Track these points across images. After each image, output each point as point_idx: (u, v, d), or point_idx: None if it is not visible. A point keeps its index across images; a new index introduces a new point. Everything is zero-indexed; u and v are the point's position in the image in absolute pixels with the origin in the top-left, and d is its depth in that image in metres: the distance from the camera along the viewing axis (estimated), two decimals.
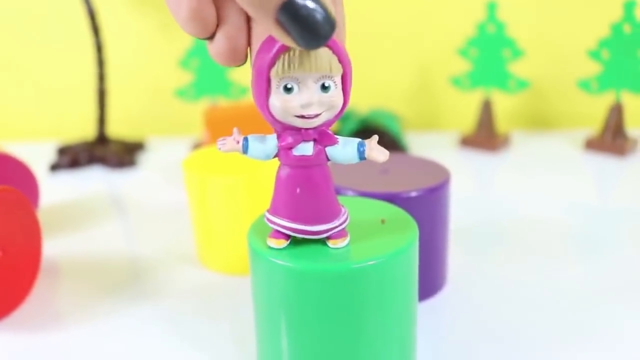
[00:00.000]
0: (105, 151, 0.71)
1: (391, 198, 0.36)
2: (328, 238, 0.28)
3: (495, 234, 0.50)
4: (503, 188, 0.62)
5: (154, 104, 0.85)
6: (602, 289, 0.40)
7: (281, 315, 0.29)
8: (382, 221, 0.31)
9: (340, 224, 0.28)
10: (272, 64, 0.24)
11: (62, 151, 0.73)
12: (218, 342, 0.36)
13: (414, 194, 0.37)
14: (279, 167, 0.27)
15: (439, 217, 0.39)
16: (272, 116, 0.25)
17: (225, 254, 0.44)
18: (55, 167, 0.70)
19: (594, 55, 0.69)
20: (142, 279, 0.43)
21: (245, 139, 0.26)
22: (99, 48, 0.69)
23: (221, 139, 0.27)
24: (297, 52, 0.23)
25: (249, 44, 0.25)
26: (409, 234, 0.30)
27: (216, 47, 0.24)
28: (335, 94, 0.25)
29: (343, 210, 0.28)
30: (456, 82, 0.75)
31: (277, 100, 0.24)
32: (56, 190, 0.64)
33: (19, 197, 0.40)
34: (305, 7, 0.20)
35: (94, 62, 0.72)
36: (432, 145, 0.76)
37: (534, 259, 0.45)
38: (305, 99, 0.24)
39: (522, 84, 0.72)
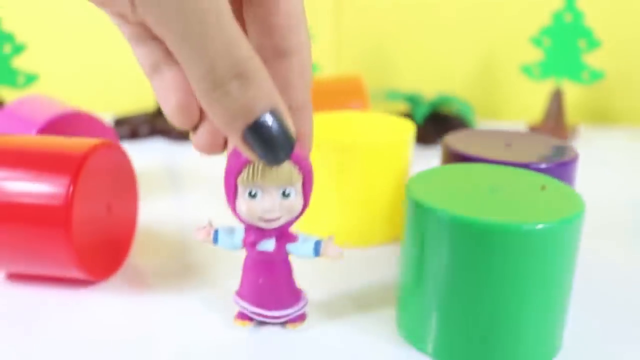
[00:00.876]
0: (167, 123, 0.69)
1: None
2: (287, 322, 0.31)
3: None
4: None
5: None
6: None
7: (437, 269, 0.28)
8: (543, 187, 0.30)
9: (299, 310, 0.31)
10: (239, 172, 0.26)
11: (120, 122, 0.71)
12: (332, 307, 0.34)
13: (543, 165, 0.35)
14: (246, 258, 0.30)
15: None
16: (239, 216, 0.28)
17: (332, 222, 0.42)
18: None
19: None
20: (219, 259, 0.41)
21: (216, 232, 0.30)
22: None
23: (197, 227, 0.30)
24: (260, 164, 0.26)
25: (226, 139, 0.27)
26: (576, 203, 0.28)
27: (198, 139, 0.26)
28: (295, 200, 0.28)
29: (302, 296, 0.32)
30: (526, 70, 0.73)
31: (243, 204, 0.27)
32: None
33: (124, 156, 0.38)
34: (269, 130, 0.22)
35: None
36: None
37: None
38: (267, 205, 0.27)
39: (597, 75, 0.70)
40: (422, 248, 0.29)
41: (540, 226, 0.26)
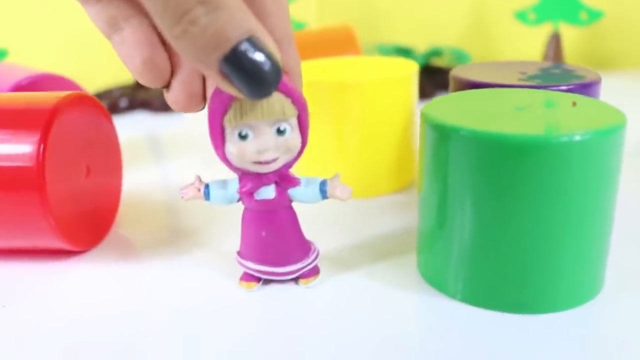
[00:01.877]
0: (148, 95, 0.65)
1: None
2: (299, 278, 0.28)
3: None
4: None
5: None
6: None
7: (464, 199, 0.25)
8: (574, 103, 0.27)
9: (310, 262, 0.28)
10: (224, 112, 0.23)
11: (99, 97, 0.67)
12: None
13: (564, 87, 0.32)
14: (244, 211, 0.27)
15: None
16: (230, 163, 0.25)
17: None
18: None
19: None
20: (211, 221, 0.38)
21: (207, 186, 0.26)
22: None
23: (183, 187, 0.27)
24: (247, 100, 0.23)
25: (204, 88, 0.24)
26: (615, 115, 0.25)
27: (173, 95, 0.24)
28: (292, 136, 0.24)
29: (313, 248, 0.28)
30: (521, 16, 0.70)
31: (233, 148, 0.24)
32: None
33: (103, 111, 0.34)
34: (249, 58, 0.19)
35: None
36: None
37: None
38: (260, 145, 0.24)
39: (596, 15, 0.67)
40: (444, 178, 0.25)
41: (579, 137, 0.23)
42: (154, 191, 0.42)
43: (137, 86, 0.68)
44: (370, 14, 0.80)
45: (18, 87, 0.40)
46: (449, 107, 0.27)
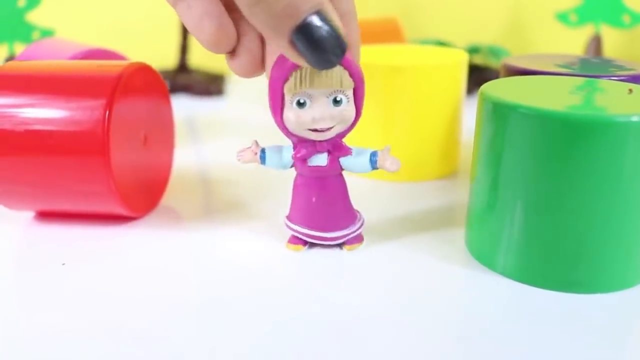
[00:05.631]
0: (190, 79, 0.66)
1: None
2: (344, 243, 0.29)
3: None
4: None
5: None
6: None
7: (519, 176, 0.25)
8: (630, 91, 0.27)
9: (356, 230, 0.29)
10: (285, 80, 0.24)
11: None
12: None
13: (615, 78, 0.32)
14: (296, 177, 0.28)
15: None
16: (287, 129, 0.26)
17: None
18: None
19: None
20: (264, 189, 0.38)
21: (263, 151, 0.28)
22: None
23: (240, 150, 0.28)
24: (308, 70, 0.24)
25: (264, 55, 0.25)
26: None
27: (238, 62, 0.25)
28: (347, 107, 0.26)
29: (359, 216, 0.30)
30: (562, 17, 0.70)
31: (291, 115, 0.25)
32: None
33: (160, 81, 0.35)
34: (319, 31, 0.20)
35: None
36: None
37: None
38: (317, 114, 0.25)
39: (638, 18, 0.66)
40: (501, 155, 0.26)
41: (636, 118, 0.23)
42: (200, 170, 0.43)
43: (179, 70, 0.69)
44: (409, 8, 0.80)
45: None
46: (506, 88, 0.28)
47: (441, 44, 0.68)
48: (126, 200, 0.31)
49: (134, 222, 0.33)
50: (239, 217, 0.34)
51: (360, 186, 0.38)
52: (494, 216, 0.27)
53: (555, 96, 0.26)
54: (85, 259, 0.29)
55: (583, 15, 0.68)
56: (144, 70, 0.33)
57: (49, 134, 0.29)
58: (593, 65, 0.35)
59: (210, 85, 0.65)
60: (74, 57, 0.42)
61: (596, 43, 0.68)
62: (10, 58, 0.62)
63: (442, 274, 0.28)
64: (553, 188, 0.25)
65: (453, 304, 0.25)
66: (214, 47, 0.24)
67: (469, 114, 0.41)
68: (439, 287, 0.27)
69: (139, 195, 0.33)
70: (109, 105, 0.29)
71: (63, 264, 0.29)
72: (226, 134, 0.52)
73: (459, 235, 0.31)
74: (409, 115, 0.37)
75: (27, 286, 0.27)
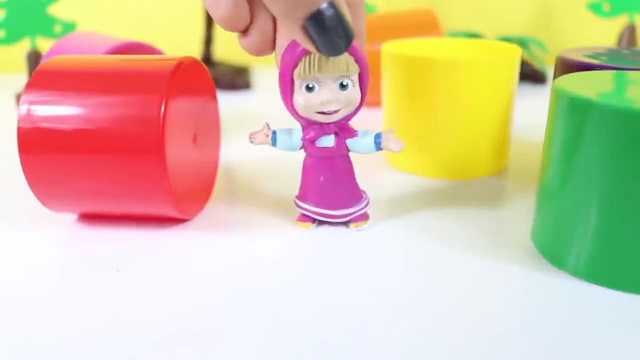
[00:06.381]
0: (215, 72, 0.65)
1: None
2: (350, 221, 0.31)
3: None
4: None
5: None
6: None
7: (595, 172, 0.24)
8: None
9: (362, 208, 0.31)
10: (295, 66, 0.26)
11: None
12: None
13: None
14: (305, 158, 0.30)
15: None
16: (296, 112, 0.27)
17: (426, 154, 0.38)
18: None
19: None
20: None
21: (274, 133, 0.29)
22: None
23: (252, 132, 0.30)
24: (317, 56, 0.26)
25: (274, 36, 0.27)
26: None
27: (249, 41, 0.26)
28: (353, 91, 0.27)
29: (364, 196, 0.31)
30: (595, 8, 0.68)
31: (301, 99, 0.27)
32: None
33: (208, 77, 0.34)
34: (329, 20, 0.22)
35: None
36: None
37: None
38: (325, 97, 0.27)
39: None
40: (577, 151, 0.25)
41: None
42: (224, 166, 0.42)
43: (203, 63, 0.68)
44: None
45: (107, 54, 0.40)
46: (580, 83, 0.27)
47: (472, 35, 0.67)
48: (179, 203, 0.30)
49: (186, 223, 0.32)
50: (283, 215, 0.33)
51: (412, 185, 0.37)
52: (567, 213, 0.26)
53: (633, 92, 0.25)
54: (139, 264, 0.28)
55: (617, 5, 0.67)
56: (194, 65, 0.31)
57: (99, 132, 0.28)
58: None
59: (236, 79, 0.64)
60: (108, 52, 0.40)
61: (630, 33, 0.67)
62: (33, 52, 0.61)
63: (507, 273, 0.27)
64: (632, 186, 0.23)
65: (521, 304, 0.24)
66: (229, 25, 0.25)
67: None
68: (505, 286, 0.26)
69: (190, 198, 0.32)
70: (165, 102, 0.28)
71: (117, 270, 0.28)
72: (249, 127, 0.50)
73: (522, 231, 0.30)
74: (461, 111, 0.36)
75: (81, 291, 0.26)
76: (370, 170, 0.40)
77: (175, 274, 0.27)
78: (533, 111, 0.53)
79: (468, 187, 0.37)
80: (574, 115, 0.25)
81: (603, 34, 0.74)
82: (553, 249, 0.27)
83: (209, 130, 0.34)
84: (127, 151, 0.28)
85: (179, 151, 0.30)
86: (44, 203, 0.31)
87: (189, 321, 0.24)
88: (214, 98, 0.35)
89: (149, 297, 0.25)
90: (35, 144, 0.29)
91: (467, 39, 0.67)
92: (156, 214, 0.31)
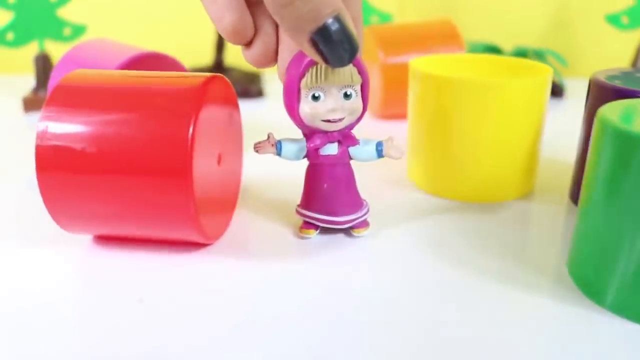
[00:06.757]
0: (227, 79, 0.63)
1: None
2: (352, 228, 0.32)
3: None
4: None
5: None
6: None
7: None
8: None
9: (363, 215, 0.32)
10: (302, 76, 0.27)
11: None
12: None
13: None
14: (308, 166, 0.31)
15: None
16: (302, 121, 0.28)
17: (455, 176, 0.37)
18: None
19: None
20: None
21: (279, 142, 0.30)
22: None
23: (257, 142, 0.30)
24: (323, 67, 0.27)
25: (277, 49, 0.28)
26: None
27: (253, 53, 0.27)
28: (356, 101, 0.28)
29: (365, 203, 0.32)
30: (613, 20, 0.67)
31: (307, 107, 0.28)
32: None
33: (232, 93, 0.33)
34: (335, 33, 0.23)
35: None
36: (582, 89, 0.68)
37: None
38: (330, 106, 0.28)
39: None
40: (622, 182, 0.24)
41: None
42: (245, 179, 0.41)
43: (214, 69, 0.66)
44: (450, 8, 0.77)
45: (124, 66, 0.38)
46: (624, 114, 0.26)
47: (492, 48, 0.66)
48: (204, 229, 0.29)
49: (208, 248, 0.31)
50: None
51: (436, 207, 0.36)
52: (608, 246, 0.25)
53: None
54: (161, 293, 0.27)
55: (636, 18, 0.66)
56: (220, 83, 0.30)
57: (120, 152, 0.27)
58: None
59: (249, 86, 0.62)
60: (127, 62, 0.39)
61: None
62: (41, 55, 0.60)
63: (541, 304, 0.26)
64: None
65: (556, 339, 0.23)
66: (233, 38, 0.26)
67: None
68: (535, 314, 0.25)
69: (213, 222, 0.31)
70: (194, 123, 0.27)
71: (141, 301, 0.26)
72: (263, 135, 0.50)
73: (556, 260, 0.29)
74: (491, 133, 0.35)
75: (96, 319, 0.25)
76: (394, 191, 0.39)
77: (193, 302, 0.26)
78: (552, 125, 0.52)
79: (493, 209, 0.36)
80: (621, 148, 0.24)
81: (620, 46, 0.73)
82: (591, 281, 0.26)
83: (232, 151, 0.33)
84: (150, 174, 0.27)
85: (204, 174, 0.29)
86: (58, 223, 0.30)
87: (206, 353, 0.22)
88: (238, 116, 0.34)
89: (165, 325, 0.24)
90: (54, 162, 0.28)
91: (490, 54, 0.66)
92: (178, 238, 0.30)
